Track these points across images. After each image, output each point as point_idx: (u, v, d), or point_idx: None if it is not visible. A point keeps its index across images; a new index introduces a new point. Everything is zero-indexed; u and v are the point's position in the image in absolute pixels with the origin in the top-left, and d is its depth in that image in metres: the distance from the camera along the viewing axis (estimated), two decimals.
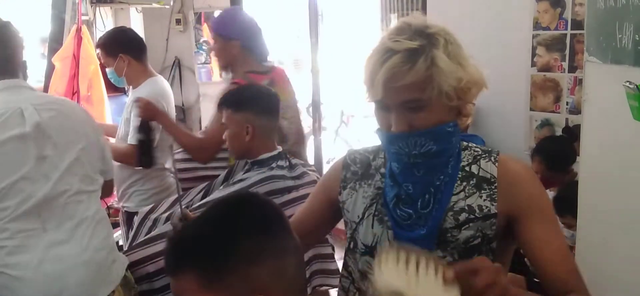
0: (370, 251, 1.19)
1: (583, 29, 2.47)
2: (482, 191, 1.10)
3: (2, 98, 1.69)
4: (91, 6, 3.83)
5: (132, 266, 1.89)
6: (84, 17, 3.50)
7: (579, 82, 2.91)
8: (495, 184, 1.11)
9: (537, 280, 2.50)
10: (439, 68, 1.02)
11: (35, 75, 3.48)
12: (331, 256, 2.12)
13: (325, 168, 5.09)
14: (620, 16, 1.40)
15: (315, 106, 4.26)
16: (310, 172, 2.07)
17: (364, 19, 5.78)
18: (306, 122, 5.65)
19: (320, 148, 4.39)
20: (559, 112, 3.07)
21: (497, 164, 1.13)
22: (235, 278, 0.80)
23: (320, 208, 1.31)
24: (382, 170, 1.20)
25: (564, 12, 2.95)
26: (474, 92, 1.09)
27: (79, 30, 3.23)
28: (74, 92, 3.23)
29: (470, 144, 1.17)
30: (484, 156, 1.14)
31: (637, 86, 1.32)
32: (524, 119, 3.22)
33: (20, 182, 1.61)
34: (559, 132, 3.05)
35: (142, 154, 2.49)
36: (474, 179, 1.12)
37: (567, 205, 2.17)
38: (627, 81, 1.35)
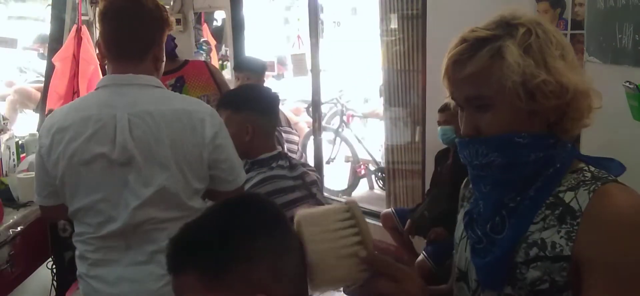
0: (464, 277, 1.04)
1: (583, 29, 2.47)
2: (563, 226, 0.88)
3: (102, 99, 1.53)
4: (91, 6, 3.83)
5: None
6: (84, 17, 3.50)
7: None
8: (579, 219, 0.87)
9: None
10: (504, 59, 0.88)
11: (35, 75, 3.50)
12: None
13: (326, 168, 5.11)
14: (620, 16, 1.40)
15: (315, 106, 4.26)
16: (310, 172, 2.07)
17: (364, 19, 5.78)
18: (306, 122, 5.67)
19: (320, 148, 4.39)
20: None
21: (593, 193, 0.88)
22: (236, 278, 0.80)
23: None
24: (468, 194, 1.08)
25: (564, 12, 2.95)
26: (565, 99, 0.89)
27: (79, 30, 3.23)
28: (74, 92, 3.23)
29: (587, 167, 0.94)
30: (588, 182, 0.90)
31: (637, 86, 1.32)
32: None
33: (101, 203, 1.51)
34: None
35: None
36: (560, 208, 0.90)
37: None
38: (627, 81, 1.35)
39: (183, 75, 2.33)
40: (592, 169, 0.94)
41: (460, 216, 1.09)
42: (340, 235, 0.84)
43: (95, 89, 1.58)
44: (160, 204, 1.53)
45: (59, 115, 1.55)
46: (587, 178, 0.91)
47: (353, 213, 0.86)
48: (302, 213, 0.87)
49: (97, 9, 1.64)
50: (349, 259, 0.83)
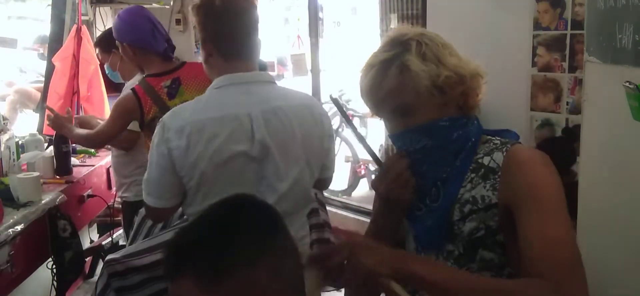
0: (402, 244, 1.25)
1: (583, 29, 2.47)
2: (487, 182, 1.10)
3: (232, 98, 1.53)
4: (91, 6, 3.84)
5: (136, 270, 1.89)
6: (84, 17, 3.51)
7: (579, 82, 2.91)
8: (499, 173, 1.09)
9: None
10: (411, 71, 1.07)
11: (35, 75, 3.50)
12: None
13: None
14: (620, 16, 1.40)
15: None
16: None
17: (364, 19, 5.78)
18: None
19: None
20: (559, 112, 3.07)
21: (505, 153, 1.11)
22: (233, 281, 0.79)
23: None
24: None
25: (564, 12, 2.95)
26: (467, 84, 1.11)
27: (79, 30, 3.23)
28: (74, 92, 3.23)
29: (493, 138, 1.17)
30: (500, 147, 1.13)
31: (637, 86, 1.32)
32: (524, 119, 3.22)
33: None
34: (559, 132, 3.04)
35: (60, 163, 2.74)
36: (482, 170, 1.11)
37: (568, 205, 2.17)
38: (627, 81, 1.35)
39: (179, 76, 2.33)
40: (498, 139, 1.16)
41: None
42: None
43: (216, 89, 1.56)
44: (291, 198, 1.59)
45: (184, 116, 1.52)
46: (497, 145, 1.14)
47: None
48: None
49: (196, 6, 1.61)
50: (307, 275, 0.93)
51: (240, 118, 1.50)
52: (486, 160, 1.12)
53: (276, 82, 1.66)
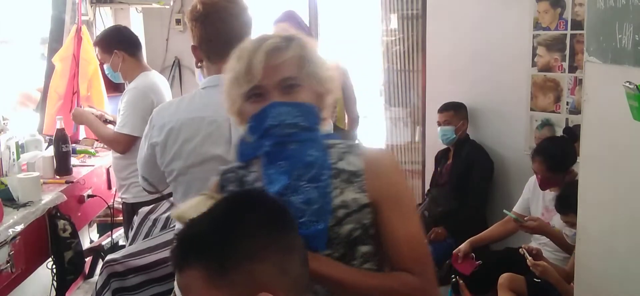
0: None
1: (583, 29, 2.47)
2: (352, 185, 1.14)
3: (213, 100, 1.50)
4: (91, 6, 3.84)
5: (135, 270, 1.90)
6: (84, 17, 3.51)
7: (579, 82, 2.91)
8: (363, 176, 1.15)
9: (537, 280, 2.50)
10: (309, 51, 1.15)
11: (35, 75, 3.49)
12: None
13: None
14: (620, 16, 1.40)
15: None
16: None
17: (364, 19, 5.78)
18: None
19: None
20: (559, 112, 3.07)
21: (359, 156, 1.17)
22: (240, 275, 0.80)
23: None
24: (258, 184, 1.17)
25: (564, 12, 2.95)
26: (331, 88, 1.18)
27: (79, 30, 3.23)
28: (74, 92, 3.23)
29: (335, 142, 1.21)
30: (348, 151, 1.19)
31: (637, 86, 1.32)
32: (524, 119, 3.22)
33: None
34: (559, 132, 3.05)
35: (59, 163, 2.72)
36: (343, 174, 1.15)
37: (570, 203, 2.17)
38: (627, 81, 1.35)
39: None
40: (342, 142, 1.20)
41: None
42: None
43: (202, 88, 1.58)
44: None
45: (168, 113, 1.56)
46: (345, 149, 1.18)
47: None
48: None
49: (193, 10, 1.62)
50: None
51: (219, 121, 1.51)
52: (342, 165, 1.16)
53: None
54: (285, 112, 1.11)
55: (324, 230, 1.11)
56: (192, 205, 1.05)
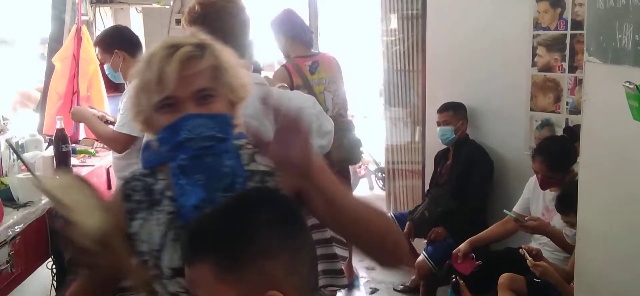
0: (180, 272, 1.07)
1: (583, 29, 2.47)
2: (270, 184, 1.12)
3: None
4: (91, 6, 3.83)
5: None
6: (84, 17, 3.51)
7: (579, 82, 2.91)
8: (276, 173, 1.12)
9: (537, 280, 2.49)
10: (223, 59, 1.10)
11: (35, 75, 3.49)
12: (336, 257, 2.11)
13: None
14: (620, 16, 1.40)
15: None
16: None
17: (364, 19, 5.78)
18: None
19: None
20: (559, 113, 3.07)
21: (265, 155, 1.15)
22: (250, 272, 0.80)
23: None
24: (168, 193, 1.14)
25: (564, 12, 2.95)
26: (247, 95, 1.15)
27: (79, 30, 3.23)
28: (74, 92, 3.23)
29: (243, 143, 1.16)
30: (254, 151, 1.15)
31: (637, 86, 1.32)
32: (524, 119, 3.22)
33: None
34: (559, 132, 3.05)
35: (60, 163, 2.71)
36: (258, 176, 1.13)
37: (570, 203, 2.17)
38: (627, 81, 1.35)
39: (317, 60, 2.57)
40: (243, 141, 1.15)
41: (154, 226, 1.14)
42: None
43: None
44: None
45: None
46: (250, 151, 1.14)
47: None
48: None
49: (191, 11, 1.62)
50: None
51: None
52: (254, 166, 1.13)
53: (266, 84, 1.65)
54: (201, 125, 1.06)
55: None
56: (61, 185, 1.03)
